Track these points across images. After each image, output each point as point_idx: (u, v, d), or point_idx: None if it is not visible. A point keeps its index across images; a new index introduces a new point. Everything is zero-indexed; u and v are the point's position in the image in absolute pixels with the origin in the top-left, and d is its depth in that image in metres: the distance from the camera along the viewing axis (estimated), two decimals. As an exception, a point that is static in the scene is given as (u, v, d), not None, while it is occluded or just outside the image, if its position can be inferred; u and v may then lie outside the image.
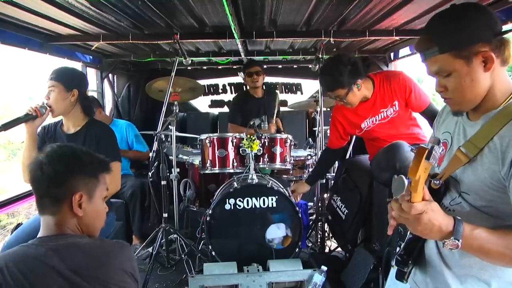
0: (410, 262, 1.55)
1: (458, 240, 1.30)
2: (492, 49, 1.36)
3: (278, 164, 4.08)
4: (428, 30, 1.47)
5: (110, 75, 6.32)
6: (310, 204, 4.81)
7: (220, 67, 7.34)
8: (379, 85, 3.28)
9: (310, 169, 4.59)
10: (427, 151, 1.23)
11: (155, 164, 4.00)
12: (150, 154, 3.97)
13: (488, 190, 1.39)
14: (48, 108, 2.91)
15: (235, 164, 3.98)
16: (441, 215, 1.33)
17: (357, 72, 3.12)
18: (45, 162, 1.55)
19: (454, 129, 1.59)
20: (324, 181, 4.19)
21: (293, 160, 4.28)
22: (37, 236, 1.56)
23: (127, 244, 1.66)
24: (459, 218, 1.34)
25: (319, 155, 4.17)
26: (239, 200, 3.57)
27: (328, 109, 5.66)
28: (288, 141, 4.11)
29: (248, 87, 5.41)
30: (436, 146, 1.24)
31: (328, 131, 4.87)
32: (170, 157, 4.17)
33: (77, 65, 5.40)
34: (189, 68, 7.22)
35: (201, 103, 8.17)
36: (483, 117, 1.45)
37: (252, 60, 5.59)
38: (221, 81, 8.06)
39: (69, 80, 2.96)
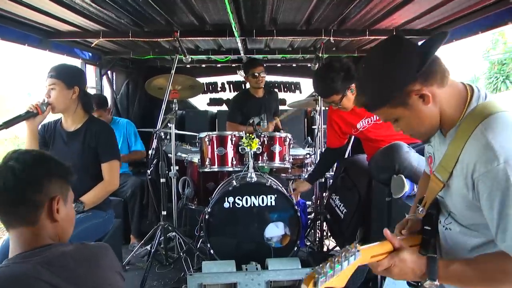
0: (419, 284, 1.54)
1: (434, 280, 1.35)
2: (421, 83, 1.35)
3: (277, 163, 4.07)
4: (359, 88, 1.51)
5: (109, 72, 6.31)
6: (309, 203, 4.82)
7: (219, 65, 7.32)
8: None
9: (309, 168, 4.59)
10: (312, 281, 1.20)
11: (154, 162, 3.99)
12: (149, 152, 3.96)
13: (467, 212, 1.41)
14: (49, 105, 2.90)
15: (234, 162, 3.98)
16: (411, 261, 1.38)
17: (350, 77, 3.13)
18: (19, 167, 1.42)
19: (434, 143, 1.62)
20: (323, 180, 4.19)
21: (292, 158, 4.28)
22: (13, 255, 1.42)
23: (108, 245, 1.63)
24: (434, 256, 1.39)
25: (318, 154, 4.17)
26: (238, 199, 3.57)
27: (327, 108, 5.66)
28: (287, 139, 4.11)
29: (248, 86, 5.39)
30: (321, 275, 1.21)
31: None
32: (169, 155, 4.17)
33: (76, 62, 5.39)
34: (187, 66, 7.16)
35: (200, 101, 8.16)
36: (448, 135, 1.46)
37: (255, 59, 5.54)
38: (220, 79, 8.04)
39: (69, 77, 2.95)
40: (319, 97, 4.10)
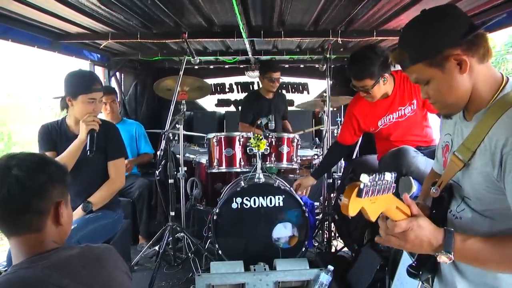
0: (421, 273, 1.52)
1: (450, 253, 1.30)
2: (463, 50, 1.34)
3: (284, 164, 4.08)
4: (400, 42, 1.48)
5: (117, 73, 6.34)
6: (317, 203, 4.81)
7: (227, 66, 7.35)
8: (399, 82, 3.24)
9: (317, 169, 4.59)
10: (357, 188, 1.18)
11: (162, 163, 4.01)
12: (158, 153, 3.99)
13: (486, 194, 1.37)
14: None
15: (242, 163, 3.99)
16: (429, 230, 1.33)
17: (387, 66, 3.06)
18: (24, 176, 1.38)
19: (453, 131, 1.58)
20: (330, 180, 4.19)
21: (300, 159, 4.29)
22: (18, 261, 1.39)
23: (112, 247, 1.63)
24: (450, 229, 1.34)
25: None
26: (246, 199, 3.58)
27: (335, 109, 5.66)
28: (295, 140, 4.12)
29: (260, 87, 5.42)
30: (367, 183, 1.18)
31: (335, 131, 4.87)
32: (177, 156, 4.18)
33: (85, 63, 5.43)
34: (196, 67, 7.22)
35: (208, 102, 8.17)
36: (474, 117, 1.43)
37: (274, 62, 5.48)
38: (227, 80, 8.06)
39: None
40: (329, 96, 4.09)
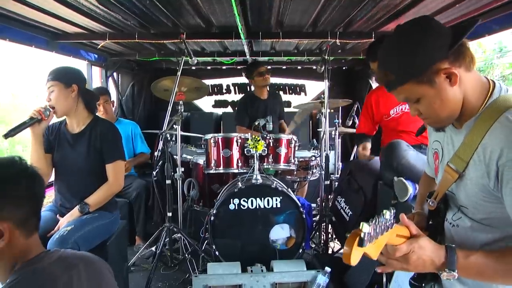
0: (423, 284, 1.50)
1: (454, 271, 1.28)
2: (451, 62, 1.32)
3: (282, 165, 4.09)
4: (381, 64, 1.43)
5: (114, 73, 6.31)
6: (314, 205, 4.81)
7: (224, 67, 7.34)
8: None
9: (314, 170, 4.58)
10: (358, 238, 1.12)
11: (159, 163, 4.00)
12: (155, 153, 3.98)
13: (483, 204, 1.36)
14: (51, 109, 2.88)
15: (240, 164, 3.99)
16: (430, 249, 1.30)
17: None
18: (37, 173, 1.44)
19: (443, 138, 1.57)
20: (328, 182, 4.18)
21: (297, 161, 4.29)
22: (22, 264, 1.36)
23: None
24: (452, 246, 1.31)
25: (324, 156, 4.13)
26: (243, 200, 3.58)
27: (333, 110, 5.66)
28: (293, 142, 4.12)
29: (253, 89, 5.43)
30: (367, 232, 1.12)
31: (333, 132, 4.88)
32: (175, 156, 4.17)
33: (82, 64, 5.41)
34: (193, 68, 7.23)
35: (205, 103, 8.16)
36: (465, 125, 1.41)
37: (257, 61, 5.56)
38: (225, 81, 8.05)
39: (66, 77, 2.96)
40: (327, 98, 4.09)
